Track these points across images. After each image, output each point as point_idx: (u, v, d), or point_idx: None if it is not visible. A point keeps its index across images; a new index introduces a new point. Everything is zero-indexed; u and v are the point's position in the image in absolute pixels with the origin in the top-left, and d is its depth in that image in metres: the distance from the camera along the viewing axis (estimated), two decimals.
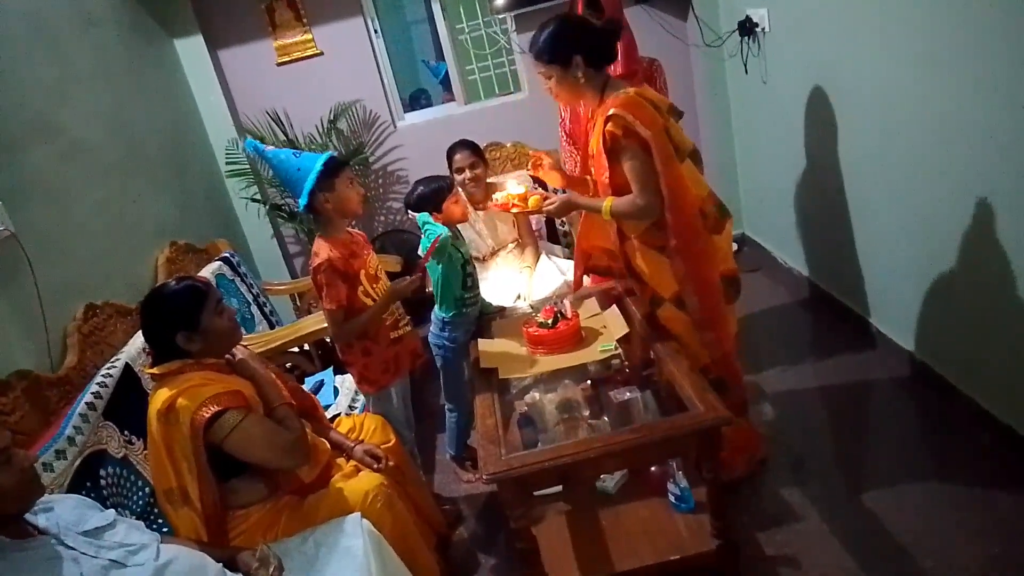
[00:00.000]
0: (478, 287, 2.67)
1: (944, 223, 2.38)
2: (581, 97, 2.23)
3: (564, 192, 2.42)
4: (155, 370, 1.83)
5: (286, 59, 4.18)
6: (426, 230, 2.37)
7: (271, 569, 1.66)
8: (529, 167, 2.51)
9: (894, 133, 2.55)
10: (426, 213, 2.45)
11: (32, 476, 1.44)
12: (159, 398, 1.77)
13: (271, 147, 2.32)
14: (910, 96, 2.41)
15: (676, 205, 2.09)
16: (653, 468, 2.27)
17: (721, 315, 2.24)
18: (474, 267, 2.64)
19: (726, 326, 2.27)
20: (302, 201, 2.21)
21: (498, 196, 2.44)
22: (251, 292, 3.50)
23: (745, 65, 3.59)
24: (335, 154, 2.31)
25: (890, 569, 1.99)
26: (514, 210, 2.42)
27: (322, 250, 2.26)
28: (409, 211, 2.49)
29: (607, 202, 2.16)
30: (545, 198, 2.35)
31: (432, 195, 2.49)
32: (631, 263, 2.32)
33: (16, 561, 1.37)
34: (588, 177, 2.44)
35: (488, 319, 2.74)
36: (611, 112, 2.05)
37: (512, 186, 2.43)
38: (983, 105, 2.07)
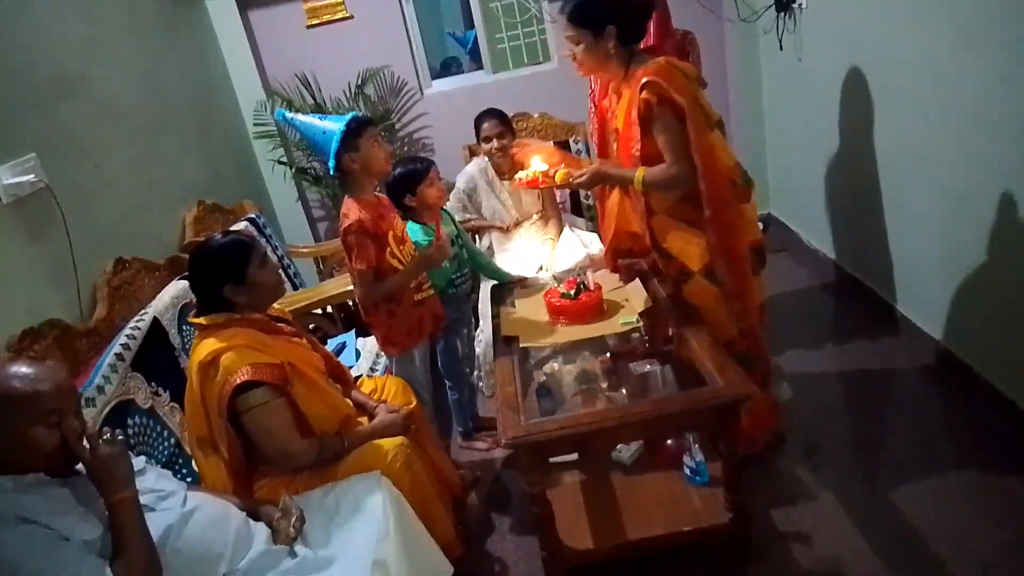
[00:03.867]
0: (467, 265, 2.72)
1: (978, 211, 2.34)
2: (603, 70, 2.21)
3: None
4: (202, 320, 1.88)
5: (315, 22, 4.16)
6: (416, 242, 2.45)
7: (293, 520, 1.71)
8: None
9: (931, 116, 2.50)
10: (412, 223, 2.51)
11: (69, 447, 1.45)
12: (204, 348, 1.82)
13: (298, 114, 2.33)
14: (949, 78, 2.36)
15: (708, 175, 2.08)
16: (669, 441, 2.29)
17: (748, 286, 2.23)
18: (460, 247, 2.67)
19: (752, 297, 2.26)
20: (331, 163, 2.22)
21: (522, 174, 2.43)
22: (276, 254, 3.53)
23: (780, 41, 3.53)
24: (358, 114, 2.31)
25: (903, 552, 1.99)
26: (543, 187, 2.42)
27: (352, 211, 2.27)
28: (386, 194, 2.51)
29: (639, 172, 2.14)
30: (576, 165, 2.32)
31: (406, 177, 2.50)
32: (657, 240, 2.31)
33: (55, 496, 1.42)
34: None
35: (509, 287, 2.76)
36: (646, 80, 2.03)
37: (536, 163, 2.41)
38: (1023, 88, 2.03)
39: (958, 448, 2.39)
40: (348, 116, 2.23)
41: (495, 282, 2.84)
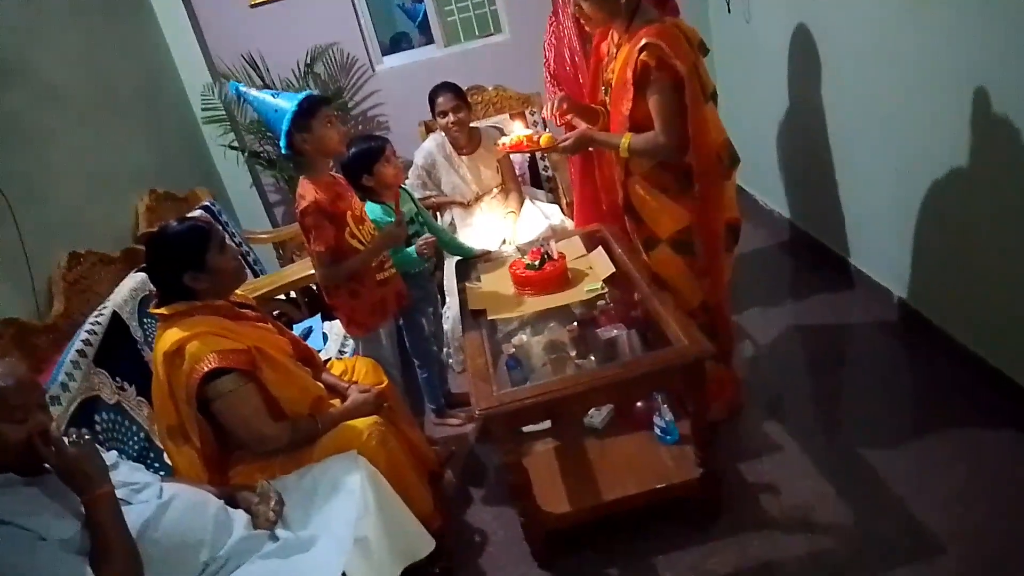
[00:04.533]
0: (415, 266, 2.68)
1: (926, 165, 2.41)
2: (613, 21, 2.13)
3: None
4: (163, 310, 1.85)
5: (260, 0, 4.06)
6: (376, 221, 2.44)
7: (272, 503, 1.71)
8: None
9: (878, 74, 2.56)
10: (371, 203, 2.49)
11: (39, 442, 1.42)
12: (168, 338, 1.80)
13: (252, 89, 2.28)
14: (895, 35, 2.42)
15: (698, 148, 2.05)
16: (639, 404, 2.34)
17: (719, 263, 2.25)
18: (420, 225, 2.67)
19: (721, 274, 2.28)
20: (282, 142, 2.19)
21: (506, 139, 2.41)
22: (233, 241, 3.48)
23: (728, 3, 3.56)
24: (312, 93, 2.27)
25: (866, 494, 2.08)
26: (526, 152, 2.40)
27: (308, 192, 2.24)
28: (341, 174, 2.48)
29: (625, 139, 2.11)
30: (555, 138, 2.28)
31: (361, 156, 2.48)
32: (631, 202, 2.30)
33: (26, 495, 1.40)
34: (601, 108, 2.36)
35: (473, 262, 2.76)
36: (646, 41, 1.97)
37: (519, 128, 2.38)
38: (968, 45, 2.09)
39: (914, 395, 2.49)
40: (301, 95, 2.19)
41: (459, 258, 2.85)
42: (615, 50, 2.16)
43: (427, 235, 2.58)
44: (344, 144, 2.34)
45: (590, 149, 2.50)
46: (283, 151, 2.23)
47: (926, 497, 2.02)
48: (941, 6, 2.16)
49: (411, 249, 2.53)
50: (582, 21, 2.23)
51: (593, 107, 2.39)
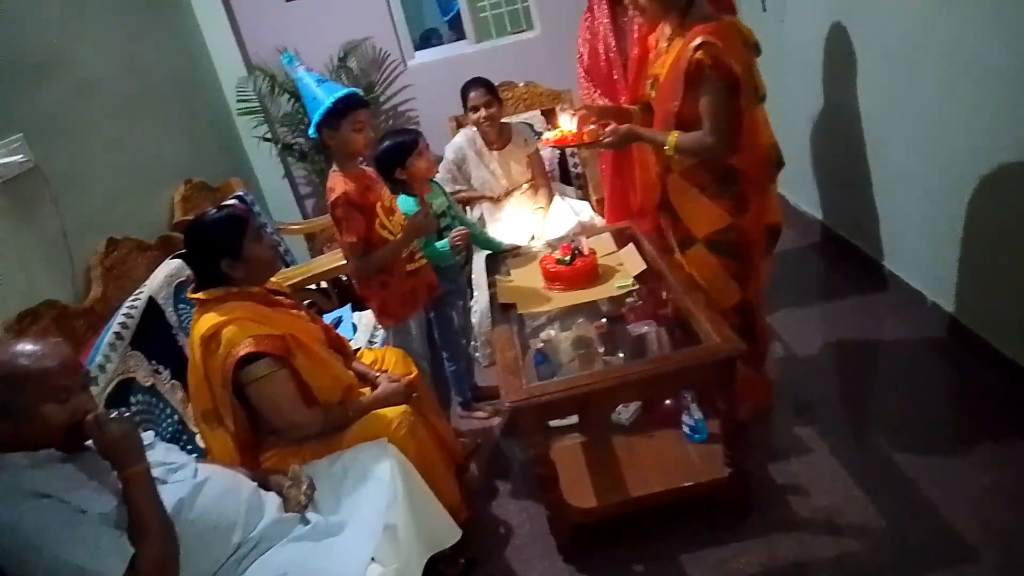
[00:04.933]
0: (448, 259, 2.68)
1: (964, 166, 2.37)
2: (668, 15, 2.08)
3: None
4: (200, 295, 1.88)
5: None
6: (406, 213, 2.44)
7: (303, 488, 1.73)
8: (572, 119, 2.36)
9: (917, 74, 2.53)
10: (403, 196, 2.48)
11: (81, 422, 1.46)
12: (205, 323, 1.83)
13: (303, 67, 2.29)
14: (935, 35, 2.38)
15: (750, 150, 2.02)
16: (667, 401, 2.33)
17: (757, 266, 2.22)
18: (451, 219, 2.67)
19: (758, 278, 2.24)
20: (310, 131, 2.24)
21: (550, 134, 2.39)
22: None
23: (763, 2, 3.53)
24: (353, 93, 2.26)
25: (896, 498, 2.06)
26: (571, 146, 2.38)
27: (337, 184, 2.27)
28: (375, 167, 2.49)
29: (672, 136, 2.06)
30: (603, 127, 2.22)
31: (394, 150, 2.49)
32: (669, 199, 2.27)
33: (67, 471, 1.43)
34: (633, 108, 2.34)
35: (502, 256, 2.77)
36: (702, 40, 1.93)
37: (565, 121, 2.35)
38: (1012, 46, 2.04)
39: (946, 399, 2.45)
40: (341, 92, 2.19)
41: (488, 252, 2.86)
42: (665, 44, 2.11)
43: (460, 228, 2.59)
44: (369, 149, 2.33)
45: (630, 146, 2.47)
46: (311, 136, 2.28)
47: (958, 503, 1.98)
48: (979, 4, 2.12)
49: (444, 242, 2.54)
50: (636, 13, 2.19)
51: (622, 107, 2.38)
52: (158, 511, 1.45)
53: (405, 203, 2.50)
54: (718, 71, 1.94)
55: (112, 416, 1.46)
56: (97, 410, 1.49)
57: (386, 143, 2.51)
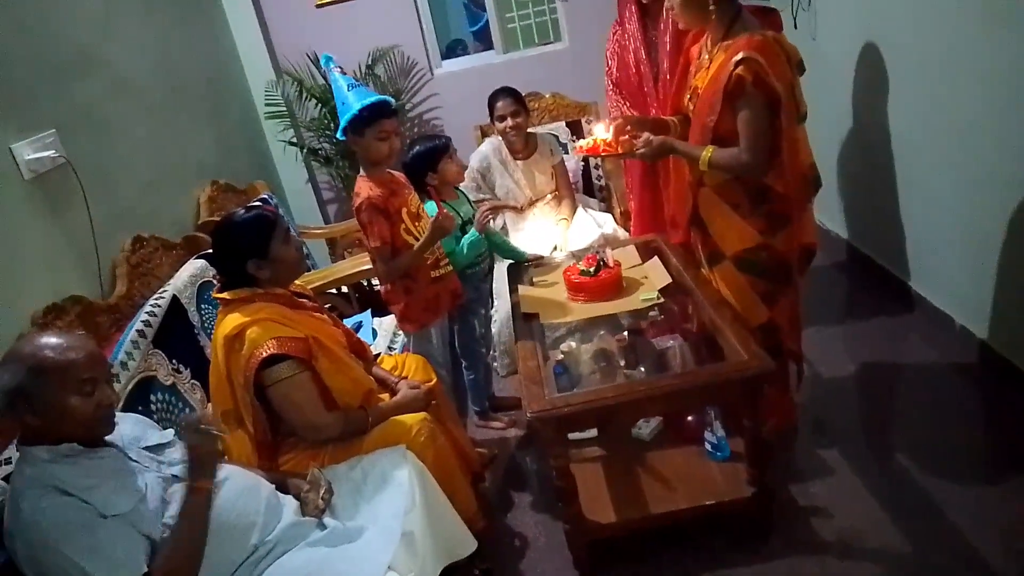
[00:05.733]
0: (484, 245, 2.68)
1: (995, 188, 2.33)
2: (706, 22, 2.05)
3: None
4: (225, 295, 1.89)
5: (325, 1, 4.14)
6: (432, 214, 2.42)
7: (322, 491, 1.72)
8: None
9: (946, 93, 2.49)
10: (431, 203, 2.47)
11: (106, 414, 1.48)
12: (229, 323, 1.83)
13: (339, 69, 2.30)
14: (965, 54, 2.35)
15: (789, 170, 1.98)
16: (690, 417, 2.30)
17: (786, 286, 2.18)
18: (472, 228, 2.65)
19: (790, 297, 2.20)
20: (338, 134, 2.26)
21: (583, 142, 2.37)
22: None
23: (795, 19, 3.51)
24: (382, 101, 2.23)
25: (921, 523, 2.01)
26: (604, 155, 2.36)
27: (363, 189, 2.28)
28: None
29: (707, 152, 2.03)
30: (636, 138, 2.19)
31: (428, 154, 2.50)
32: (700, 214, 2.24)
33: (88, 467, 1.43)
34: (672, 119, 2.32)
35: (525, 266, 2.76)
36: (744, 55, 1.89)
37: (600, 131, 2.32)
38: None
39: (973, 422, 2.40)
40: (370, 99, 2.19)
41: (510, 261, 2.84)
42: (707, 57, 2.09)
43: (482, 205, 2.57)
44: (395, 156, 2.32)
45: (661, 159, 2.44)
46: (339, 138, 2.30)
47: (984, 530, 1.93)
48: (1013, 22, 2.09)
49: (472, 232, 2.53)
50: (674, 20, 2.16)
51: (660, 119, 2.35)
52: (203, 531, 1.48)
53: (433, 210, 2.49)
54: (759, 88, 1.91)
55: (203, 427, 1.53)
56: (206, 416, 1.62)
57: (417, 148, 2.52)
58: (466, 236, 2.54)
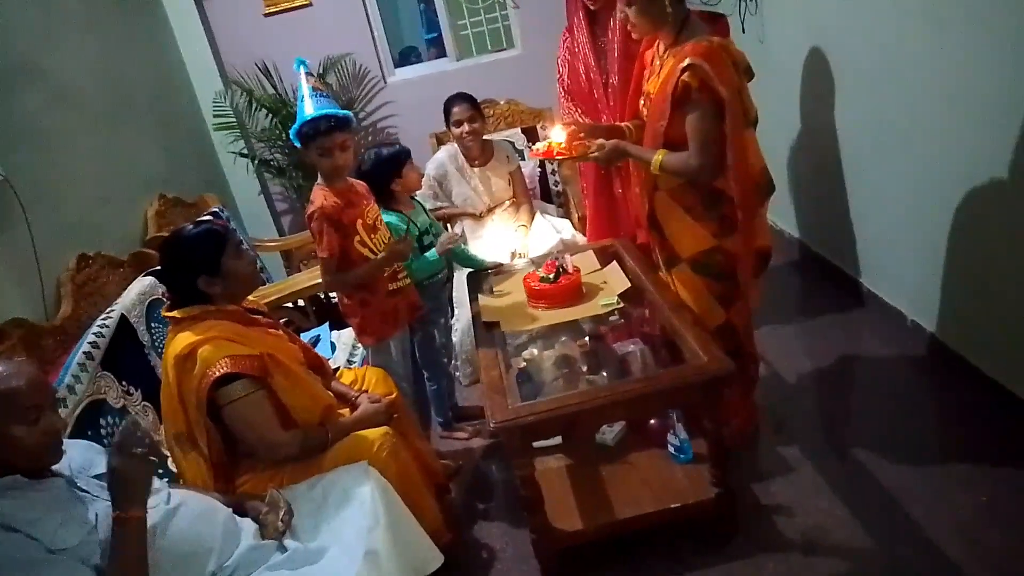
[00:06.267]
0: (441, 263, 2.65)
1: (941, 185, 2.40)
2: (660, 30, 2.06)
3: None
4: (176, 313, 1.83)
5: (273, 9, 4.08)
6: (392, 226, 2.43)
7: (281, 513, 1.67)
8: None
9: (892, 92, 2.56)
10: (386, 212, 2.45)
11: (52, 442, 1.42)
12: (180, 342, 1.77)
13: (307, 76, 2.24)
14: (912, 58, 2.41)
15: (738, 174, 2.00)
16: (652, 421, 2.31)
17: (745, 290, 2.20)
18: (434, 236, 2.63)
19: (744, 300, 2.23)
20: (293, 138, 2.22)
21: (539, 145, 2.37)
22: None
23: (743, 24, 3.57)
24: (324, 115, 2.16)
25: (881, 516, 2.05)
26: (558, 158, 2.36)
27: (317, 198, 2.24)
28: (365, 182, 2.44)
29: (658, 155, 2.05)
30: (589, 146, 2.20)
31: (390, 160, 2.47)
32: (656, 217, 2.25)
33: (33, 499, 1.37)
34: (626, 125, 2.33)
35: (485, 274, 2.74)
36: (690, 61, 1.91)
37: (556, 133, 2.31)
38: (991, 67, 2.07)
39: (928, 418, 2.46)
40: (319, 112, 2.15)
41: (469, 270, 2.83)
42: (659, 63, 2.11)
43: (447, 233, 2.56)
44: (345, 170, 2.28)
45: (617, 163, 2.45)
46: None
47: (943, 521, 1.98)
48: (956, 26, 2.16)
49: (432, 251, 2.51)
50: (628, 28, 2.17)
51: (615, 125, 2.37)
52: (140, 561, 1.38)
53: (393, 224, 2.46)
54: (705, 94, 1.93)
55: (137, 451, 1.39)
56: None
57: (382, 152, 2.49)
58: (425, 254, 2.52)
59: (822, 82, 3.01)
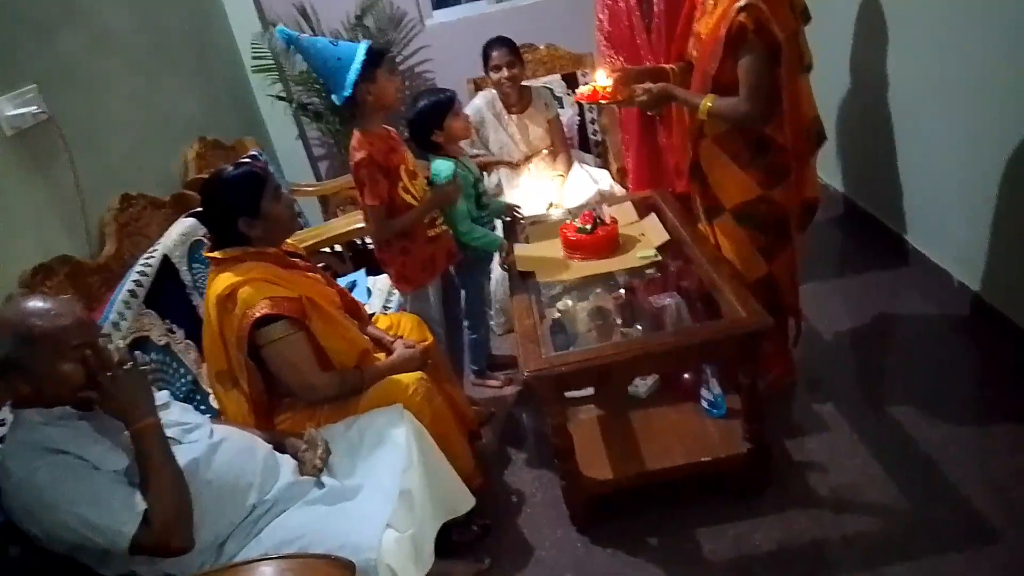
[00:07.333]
0: (491, 204, 2.64)
1: (995, 143, 2.29)
2: None
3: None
4: (217, 254, 1.85)
5: None
6: (436, 174, 2.38)
7: (319, 451, 1.72)
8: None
9: (951, 48, 2.44)
10: (438, 160, 2.41)
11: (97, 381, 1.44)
12: (221, 282, 1.80)
13: (305, 35, 2.21)
14: (969, 7, 2.29)
15: (791, 122, 1.94)
16: (686, 375, 2.29)
17: (785, 241, 2.16)
18: (485, 187, 2.59)
19: (788, 252, 2.18)
20: (345, 92, 2.14)
21: (583, 88, 2.30)
22: None
23: None
24: (371, 43, 2.20)
25: (916, 477, 2.03)
26: (602, 102, 2.30)
27: (362, 145, 2.21)
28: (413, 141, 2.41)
29: (707, 100, 1.99)
30: (634, 90, 2.14)
31: (433, 109, 2.40)
32: (700, 165, 2.20)
33: (81, 429, 1.42)
34: (672, 67, 2.26)
35: (521, 224, 2.71)
36: (747, 1, 1.84)
37: (600, 77, 2.25)
38: None
39: (968, 379, 2.42)
40: (365, 44, 2.13)
41: (507, 219, 2.79)
42: (712, 2, 2.02)
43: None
44: (401, 98, 2.27)
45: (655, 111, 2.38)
46: (341, 101, 2.18)
47: (980, 483, 1.96)
48: None
49: (496, 236, 2.51)
50: None
51: (662, 68, 2.29)
52: (169, 465, 1.43)
53: (444, 166, 2.42)
54: (760, 36, 1.86)
55: (126, 368, 1.44)
56: (111, 352, 1.46)
57: (422, 102, 2.42)
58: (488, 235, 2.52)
59: (876, 34, 2.88)
